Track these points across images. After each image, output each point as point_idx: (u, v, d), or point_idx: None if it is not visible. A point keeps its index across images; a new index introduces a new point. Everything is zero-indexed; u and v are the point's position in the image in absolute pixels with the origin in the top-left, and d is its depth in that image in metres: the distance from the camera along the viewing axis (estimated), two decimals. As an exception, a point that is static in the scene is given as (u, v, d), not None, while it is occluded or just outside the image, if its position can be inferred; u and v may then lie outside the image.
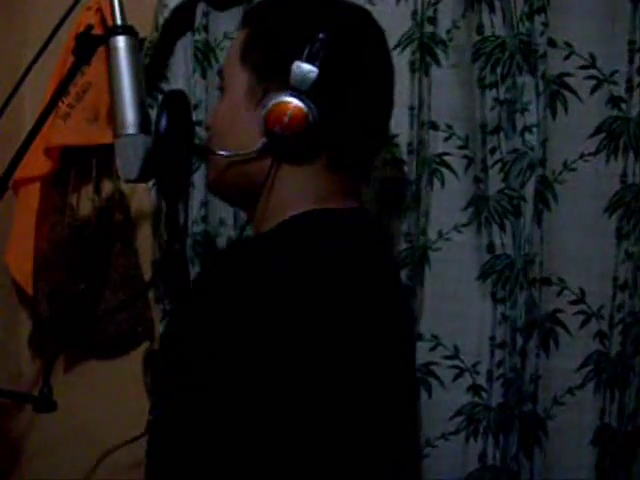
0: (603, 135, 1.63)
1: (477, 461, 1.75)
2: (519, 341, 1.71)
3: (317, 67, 1.11)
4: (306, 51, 1.12)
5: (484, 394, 1.74)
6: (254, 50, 1.20)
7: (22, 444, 2.23)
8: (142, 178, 1.32)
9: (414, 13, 1.73)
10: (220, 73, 1.28)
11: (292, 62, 1.12)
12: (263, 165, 1.18)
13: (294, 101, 1.12)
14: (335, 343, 1.06)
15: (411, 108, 1.74)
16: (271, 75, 1.17)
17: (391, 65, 1.26)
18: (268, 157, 1.17)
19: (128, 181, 1.32)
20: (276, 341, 1.03)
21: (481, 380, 1.74)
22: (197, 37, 1.87)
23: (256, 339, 1.03)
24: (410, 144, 1.75)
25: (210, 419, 1.05)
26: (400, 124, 1.73)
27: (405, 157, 1.76)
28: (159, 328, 2.02)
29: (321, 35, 1.12)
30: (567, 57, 1.62)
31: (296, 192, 1.19)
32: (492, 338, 1.73)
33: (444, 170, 1.74)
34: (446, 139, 1.74)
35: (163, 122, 1.23)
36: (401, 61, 1.71)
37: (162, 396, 1.14)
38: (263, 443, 1.03)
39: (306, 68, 1.11)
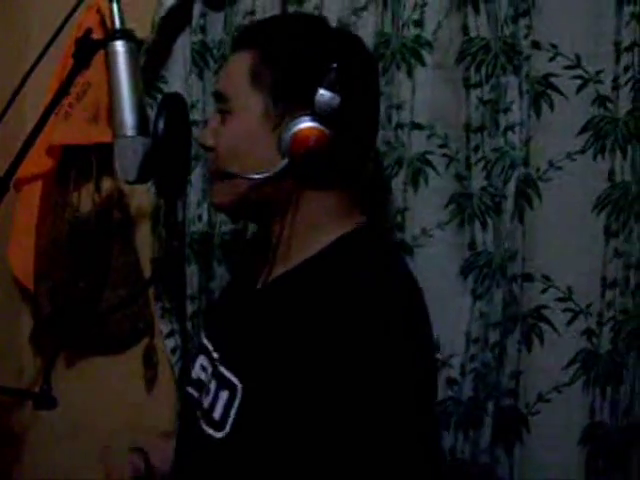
0: (590, 134, 1.64)
1: (448, 454, 1.76)
2: (492, 336, 1.73)
3: (337, 94, 1.19)
4: (325, 79, 1.19)
5: (456, 388, 1.76)
6: (267, 73, 1.26)
7: (23, 440, 2.26)
8: (140, 179, 1.35)
9: (376, 22, 1.77)
10: (218, 95, 1.31)
11: (311, 88, 1.19)
12: (282, 186, 1.26)
13: (318, 126, 1.20)
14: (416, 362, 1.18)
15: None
16: (289, 99, 1.24)
17: (379, 83, 1.38)
18: (287, 178, 1.24)
19: (127, 182, 1.36)
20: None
21: (455, 374, 1.76)
22: (194, 38, 1.89)
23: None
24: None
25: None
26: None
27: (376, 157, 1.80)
28: (159, 325, 2.06)
29: (335, 64, 1.20)
30: (552, 58, 1.63)
31: (321, 211, 1.28)
32: (467, 333, 1.75)
33: (427, 168, 1.76)
34: (428, 137, 1.76)
35: (160, 124, 1.27)
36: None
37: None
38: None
39: (329, 95, 1.19)
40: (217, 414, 1.26)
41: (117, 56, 1.35)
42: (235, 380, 1.25)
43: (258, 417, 1.20)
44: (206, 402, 1.30)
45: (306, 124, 1.20)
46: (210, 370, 1.35)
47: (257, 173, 1.24)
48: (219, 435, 1.24)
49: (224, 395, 1.25)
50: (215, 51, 1.91)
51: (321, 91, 1.19)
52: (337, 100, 1.19)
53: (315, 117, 1.20)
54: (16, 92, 1.41)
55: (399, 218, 1.78)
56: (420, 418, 1.15)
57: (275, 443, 1.17)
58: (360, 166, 1.34)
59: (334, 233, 1.27)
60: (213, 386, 1.30)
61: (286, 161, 1.22)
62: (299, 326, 1.18)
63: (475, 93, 1.70)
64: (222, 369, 1.29)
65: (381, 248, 1.31)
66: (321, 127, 1.20)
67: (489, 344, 1.73)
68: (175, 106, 1.32)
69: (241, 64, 1.28)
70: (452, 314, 1.75)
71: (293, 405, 1.14)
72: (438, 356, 1.75)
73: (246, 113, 1.27)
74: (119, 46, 1.35)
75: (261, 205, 1.30)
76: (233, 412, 1.23)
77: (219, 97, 1.32)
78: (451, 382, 1.76)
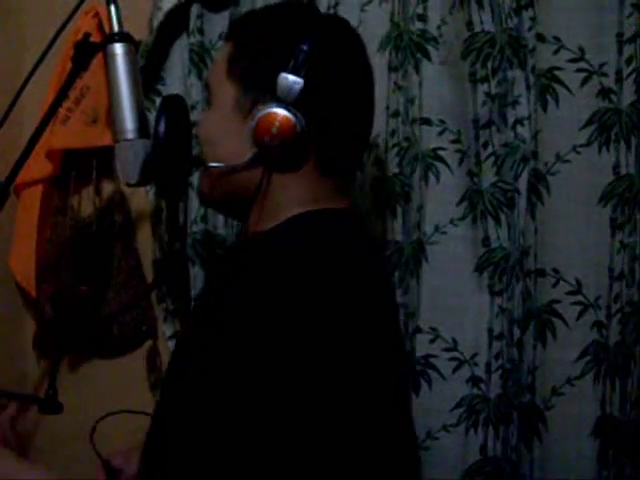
0: (595, 126, 1.63)
1: (478, 452, 1.76)
2: (516, 333, 1.73)
3: (302, 78, 1.15)
4: (291, 63, 1.16)
5: (483, 385, 1.75)
6: (240, 63, 1.24)
7: (25, 445, 2.23)
8: (142, 182, 1.34)
9: (392, 14, 1.77)
10: (207, 84, 1.31)
11: (278, 74, 1.16)
12: (254, 175, 1.22)
13: (281, 112, 1.16)
14: (347, 340, 1.10)
15: (387, 108, 1.78)
16: (258, 87, 1.21)
17: (370, 70, 1.31)
18: (259, 167, 1.21)
19: (129, 185, 1.34)
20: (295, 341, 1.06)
21: (480, 372, 1.75)
22: (192, 39, 1.89)
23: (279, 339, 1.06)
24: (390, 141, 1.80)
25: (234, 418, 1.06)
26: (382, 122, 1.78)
27: (394, 154, 1.79)
28: (162, 327, 2.05)
29: (304, 46, 1.17)
30: (556, 51, 1.63)
31: (289, 196, 1.24)
32: (490, 330, 1.74)
33: (439, 164, 1.76)
34: (440, 134, 1.76)
35: (161, 127, 1.25)
36: (382, 62, 1.76)
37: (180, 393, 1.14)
38: (274, 440, 1.05)
39: (291, 79, 1.15)
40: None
41: (116, 59, 1.34)
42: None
43: (175, 389, 1.17)
44: None
45: (269, 110, 1.17)
46: None
47: (229, 163, 1.23)
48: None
49: None
50: (213, 52, 1.90)
51: (283, 75, 1.15)
52: (300, 84, 1.15)
53: (281, 103, 1.16)
54: (15, 98, 1.39)
55: (417, 216, 1.77)
56: (355, 406, 1.10)
57: (195, 413, 1.09)
58: (343, 154, 1.27)
59: (289, 214, 1.23)
60: None
61: (254, 150, 1.19)
62: (223, 303, 1.15)
63: (482, 88, 1.69)
64: None
65: (335, 228, 1.24)
66: (286, 113, 1.16)
67: (514, 340, 1.73)
68: (175, 107, 1.31)
69: (222, 55, 1.28)
70: (471, 312, 1.76)
71: (209, 385, 1.08)
72: (458, 355, 1.76)
73: (221, 103, 1.26)
74: (118, 48, 1.34)
75: (236, 195, 1.27)
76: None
77: (205, 87, 1.32)
78: (476, 380, 1.76)
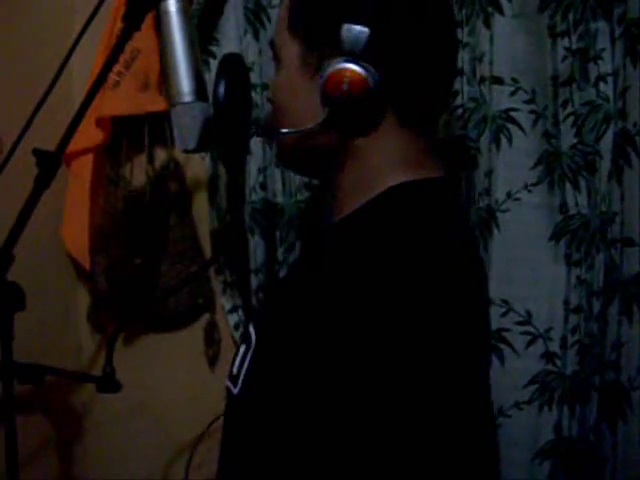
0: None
1: (552, 432, 1.68)
2: (596, 306, 1.63)
3: (368, 27, 1.06)
4: (354, 12, 1.07)
5: (558, 361, 1.67)
6: (301, 17, 1.15)
7: (83, 419, 2.23)
8: (201, 148, 1.27)
9: None
10: (272, 44, 1.22)
11: (338, 24, 1.07)
12: (332, 138, 1.14)
13: (350, 66, 1.07)
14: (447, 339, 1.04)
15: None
16: (322, 42, 1.11)
17: (451, 12, 1.21)
18: (332, 128, 1.13)
19: (186, 151, 1.28)
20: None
21: (555, 347, 1.66)
22: (247, -4, 1.81)
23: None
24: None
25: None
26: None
27: (456, 116, 1.70)
28: (220, 300, 1.99)
29: None
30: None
31: (381, 160, 1.14)
32: (566, 302, 1.65)
33: (511, 126, 1.65)
34: (512, 93, 1.65)
35: (222, 88, 1.18)
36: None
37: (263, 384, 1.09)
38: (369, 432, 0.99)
39: (356, 29, 1.06)
40: (235, 368, 1.17)
41: (170, 16, 1.27)
42: (252, 332, 1.16)
43: (265, 372, 1.10)
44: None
45: (337, 66, 1.07)
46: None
47: (301, 127, 1.14)
48: (235, 390, 1.16)
49: (242, 349, 1.17)
50: (269, 10, 1.81)
51: (346, 26, 1.06)
52: (365, 34, 1.05)
53: (348, 57, 1.07)
54: (64, 63, 1.33)
55: (486, 182, 1.68)
56: (447, 399, 1.03)
57: (282, 403, 1.05)
58: (424, 107, 1.17)
59: (383, 185, 1.13)
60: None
61: (326, 111, 1.10)
62: (317, 286, 1.07)
63: (562, 42, 1.58)
64: (249, 326, 1.20)
65: (429, 209, 1.13)
66: (354, 66, 1.06)
67: (593, 314, 1.63)
68: (236, 67, 1.23)
69: (284, 9, 1.18)
70: (546, 283, 1.66)
71: (302, 364, 1.03)
72: (532, 329, 1.67)
73: (288, 62, 1.17)
74: (171, 5, 1.27)
75: (317, 160, 1.19)
76: (245, 366, 1.14)
77: (271, 48, 1.22)
78: (550, 356, 1.67)
